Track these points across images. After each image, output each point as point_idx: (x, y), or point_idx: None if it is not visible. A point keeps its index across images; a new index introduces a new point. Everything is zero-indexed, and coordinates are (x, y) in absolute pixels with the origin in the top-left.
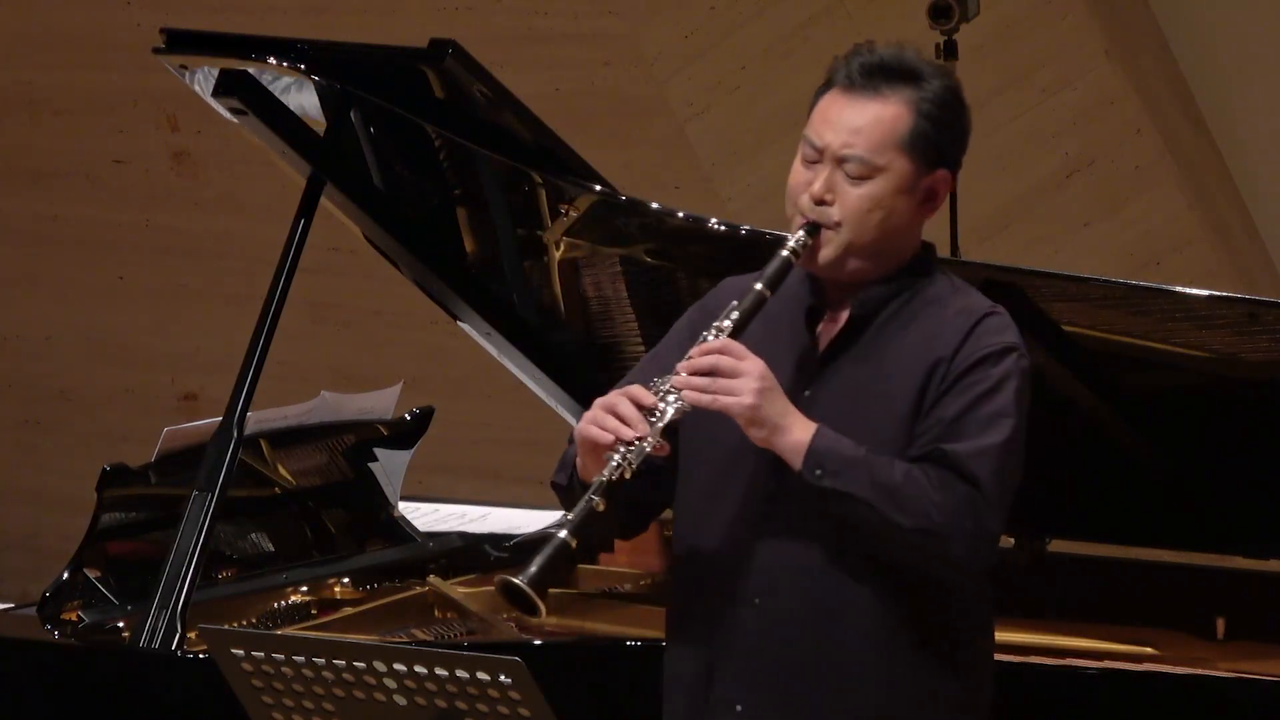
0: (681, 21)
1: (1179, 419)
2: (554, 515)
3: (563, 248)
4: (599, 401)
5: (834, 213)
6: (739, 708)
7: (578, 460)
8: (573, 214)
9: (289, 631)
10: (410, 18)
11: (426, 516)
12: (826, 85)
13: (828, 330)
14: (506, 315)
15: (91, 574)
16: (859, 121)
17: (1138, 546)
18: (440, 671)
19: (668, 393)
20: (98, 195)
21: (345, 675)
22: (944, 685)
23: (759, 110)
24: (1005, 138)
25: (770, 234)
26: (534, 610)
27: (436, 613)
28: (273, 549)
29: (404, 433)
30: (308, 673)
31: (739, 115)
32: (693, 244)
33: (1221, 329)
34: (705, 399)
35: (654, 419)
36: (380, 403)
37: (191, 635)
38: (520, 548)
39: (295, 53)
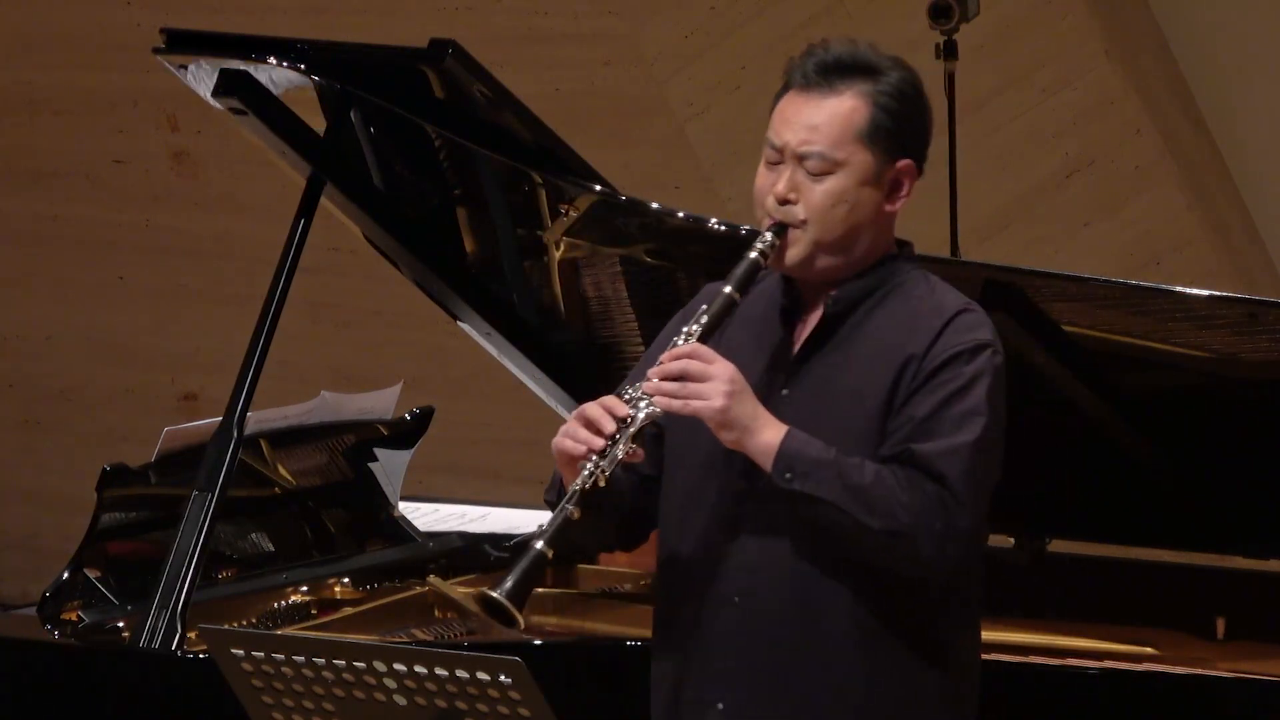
0: (681, 21)
1: (1179, 419)
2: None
3: (563, 248)
4: (574, 412)
5: (799, 211)
6: (720, 705)
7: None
8: (573, 214)
9: (289, 631)
10: (410, 18)
11: (426, 516)
12: (784, 87)
13: (803, 329)
14: (506, 315)
15: (91, 574)
16: (816, 118)
17: (1138, 546)
18: (440, 671)
19: (639, 399)
20: (98, 195)
21: (345, 675)
22: (926, 680)
23: (759, 110)
24: (1005, 138)
25: None
26: (512, 622)
27: (436, 613)
28: (273, 549)
29: (404, 433)
30: (308, 673)
31: (739, 115)
32: (693, 244)
33: (1221, 329)
34: (675, 404)
35: (625, 426)
36: (380, 403)
37: (191, 635)
38: (520, 548)
39: (295, 53)
